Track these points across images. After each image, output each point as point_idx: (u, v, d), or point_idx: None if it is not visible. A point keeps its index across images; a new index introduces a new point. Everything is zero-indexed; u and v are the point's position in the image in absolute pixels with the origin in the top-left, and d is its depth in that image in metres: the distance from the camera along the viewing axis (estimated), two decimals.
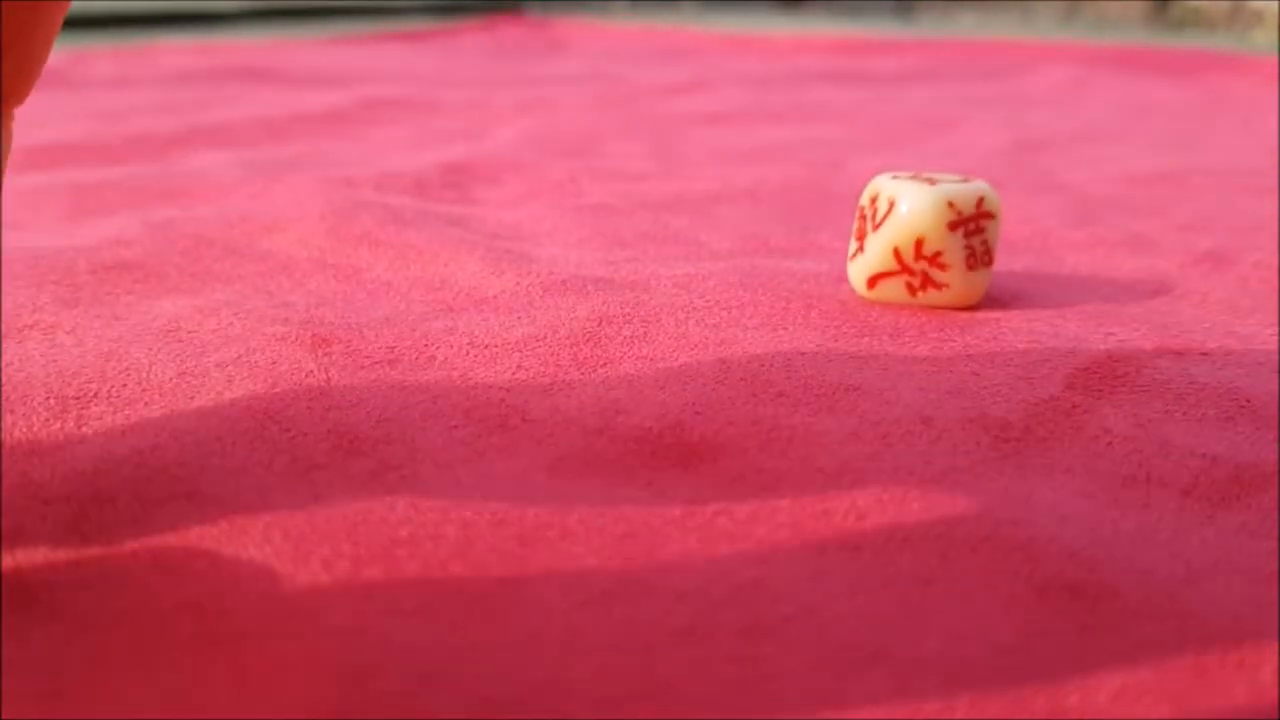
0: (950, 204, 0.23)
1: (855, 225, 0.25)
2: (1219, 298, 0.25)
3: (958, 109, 0.58)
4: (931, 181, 0.23)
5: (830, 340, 0.21)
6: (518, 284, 0.24)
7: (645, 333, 0.22)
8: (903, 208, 0.23)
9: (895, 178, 0.24)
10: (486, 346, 0.21)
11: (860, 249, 0.24)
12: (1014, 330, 0.22)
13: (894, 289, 0.24)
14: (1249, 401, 0.19)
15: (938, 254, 0.23)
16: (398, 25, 1.12)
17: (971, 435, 0.17)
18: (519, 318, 0.23)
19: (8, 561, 0.14)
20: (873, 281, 0.24)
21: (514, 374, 0.20)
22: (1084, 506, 0.15)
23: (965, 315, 0.23)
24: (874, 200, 0.24)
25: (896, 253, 0.23)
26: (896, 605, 0.13)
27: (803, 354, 0.21)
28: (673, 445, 0.17)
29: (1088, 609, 0.13)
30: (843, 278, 0.26)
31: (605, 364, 0.20)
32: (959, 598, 0.13)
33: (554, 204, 0.34)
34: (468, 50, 0.85)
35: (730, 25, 1.14)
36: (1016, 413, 0.18)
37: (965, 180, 0.24)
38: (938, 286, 0.23)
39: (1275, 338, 0.22)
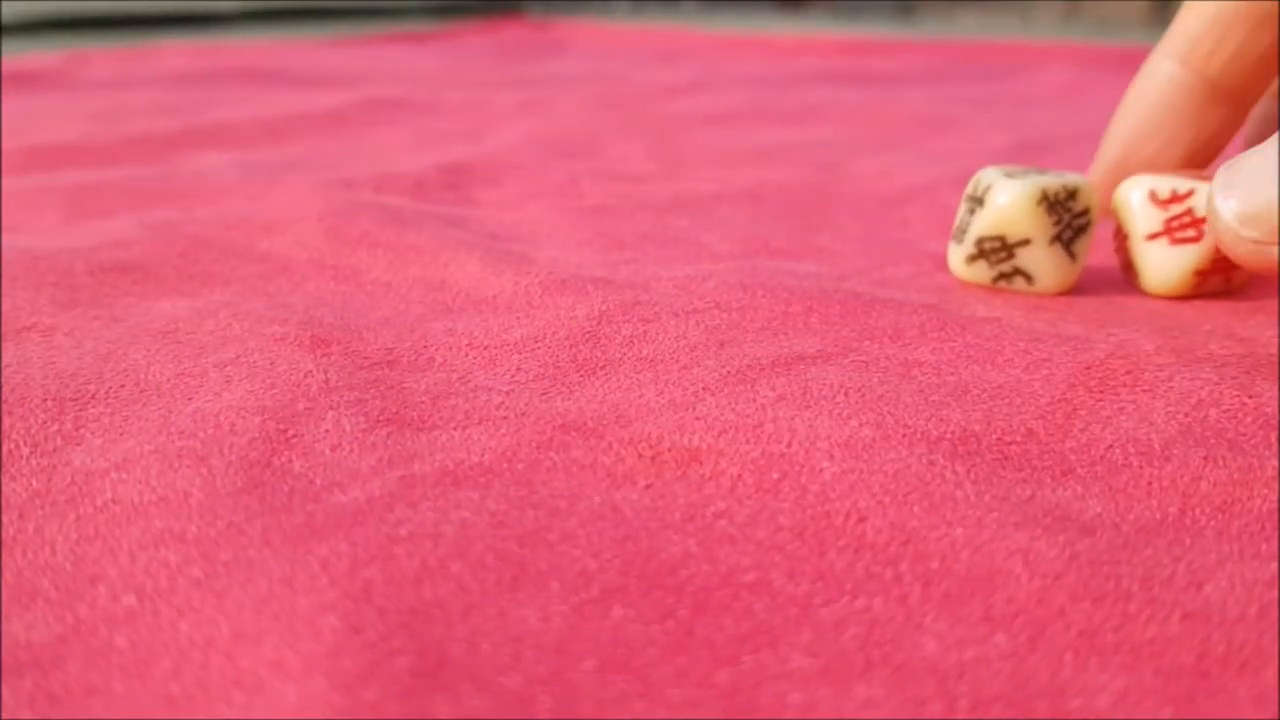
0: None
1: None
2: (1220, 298, 0.25)
3: (959, 110, 0.58)
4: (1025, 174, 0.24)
5: (830, 343, 0.21)
6: (517, 285, 0.24)
7: (645, 333, 0.22)
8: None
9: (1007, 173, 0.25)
10: (486, 347, 0.21)
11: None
12: (1015, 330, 0.22)
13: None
14: (1250, 402, 0.19)
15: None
16: (398, 26, 1.12)
17: (973, 436, 0.17)
18: (518, 318, 0.23)
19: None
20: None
21: (513, 375, 0.20)
22: (1085, 508, 0.15)
23: (965, 316, 0.23)
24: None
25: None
26: (897, 608, 0.13)
27: (803, 357, 0.20)
28: (672, 447, 0.17)
29: (1088, 611, 0.13)
30: (843, 277, 0.26)
31: (605, 365, 0.20)
32: (960, 600, 0.13)
33: (554, 205, 0.34)
34: (468, 51, 0.85)
35: (731, 26, 1.14)
36: (1018, 414, 0.18)
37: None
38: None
39: (1275, 338, 0.22)
